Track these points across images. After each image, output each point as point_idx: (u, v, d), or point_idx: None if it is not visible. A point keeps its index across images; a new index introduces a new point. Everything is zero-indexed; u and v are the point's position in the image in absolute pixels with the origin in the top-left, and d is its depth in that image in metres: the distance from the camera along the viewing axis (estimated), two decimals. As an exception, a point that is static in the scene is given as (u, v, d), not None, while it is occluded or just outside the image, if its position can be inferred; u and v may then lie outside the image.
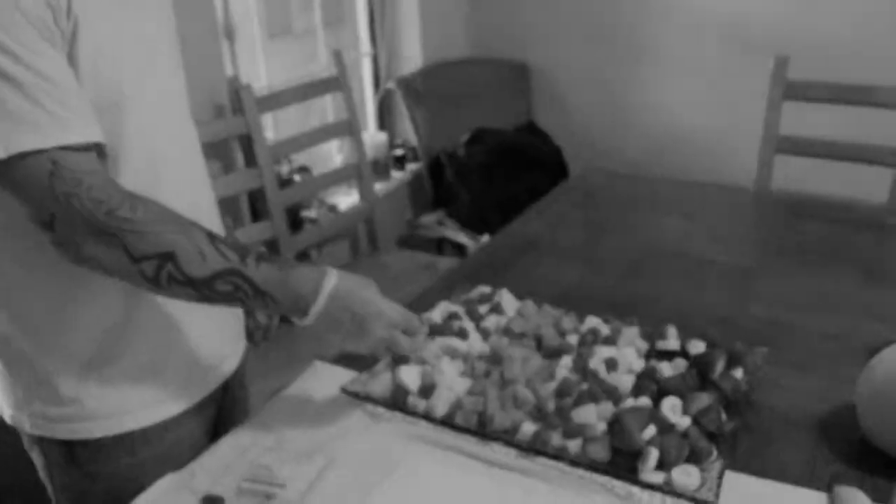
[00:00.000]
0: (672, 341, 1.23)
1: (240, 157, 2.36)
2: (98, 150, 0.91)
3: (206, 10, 2.25)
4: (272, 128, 2.75)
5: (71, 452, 1.09)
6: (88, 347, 1.04)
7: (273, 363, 2.02)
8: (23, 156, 0.85)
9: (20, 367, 1.05)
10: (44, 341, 1.03)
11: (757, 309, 1.46)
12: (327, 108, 3.00)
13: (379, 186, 2.92)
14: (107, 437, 1.07)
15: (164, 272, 0.91)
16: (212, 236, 0.96)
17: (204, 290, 0.94)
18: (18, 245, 0.98)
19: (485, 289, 1.41)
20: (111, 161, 0.97)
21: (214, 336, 1.18)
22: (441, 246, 3.07)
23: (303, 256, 2.54)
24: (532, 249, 1.77)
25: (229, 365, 1.23)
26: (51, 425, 1.07)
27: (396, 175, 3.18)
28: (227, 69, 2.39)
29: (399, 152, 3.22)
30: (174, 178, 1.06)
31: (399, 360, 1.17)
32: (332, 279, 1.01)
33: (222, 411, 1.26)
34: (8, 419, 1.11)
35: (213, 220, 1.18)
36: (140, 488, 1.03)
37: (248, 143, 2.24)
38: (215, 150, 2.26)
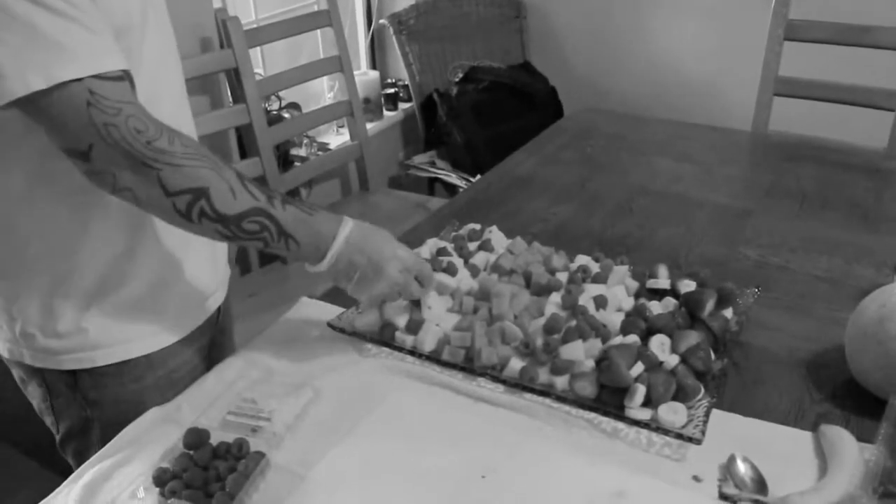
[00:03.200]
0: (662, 280, 1.21)
1: (227, 93, 2.31)
2: (129, 78, 0.90)
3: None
4: (261, 64, 2.70)
5: (74, 382, 1.10)
6: (92, 278, 1.04)
7: (263, 302, 2.02)
8: (60, 86, 0.83)
9: (24, 300, 1.05)
10: (50, 273, 1.03)
11: (749, 250, 1.44)
12: (318, 45, 2.94)
13: (370, 126, 2.88)
14: (110, 365, 1.09)
15: (196, 207, 0.92)
16: (241, 175, 0.96)
17: (233, 227, 0.95)
18: (23, 176, 0.97)
19: (474, 226, 1.40)
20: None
21: (207, 267, 1.20)
22: (433, 186, 3.04)
23: (292, 194, 2.51)
24: (523, 188, 1.75)
25: (220, 295, 1.25)
26: (54, 357, 1.08)
27: (388, 114, 3.14)
28: (213, 1, 2.34)
29: (391, 91, 3.17)
30: (168, 112, 1.04)
31: (415, 304, 1.16)
32: (350, 224, 1.04)
33: (213, 341, 1.27)
34: (5, 353, 1.12)
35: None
36: (140, 415, 1.04)
37: (235, 77, 2.19)
38: (202, 85, 2.21)
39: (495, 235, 1.36)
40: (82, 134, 0.86)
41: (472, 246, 1.33)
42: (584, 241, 1.47)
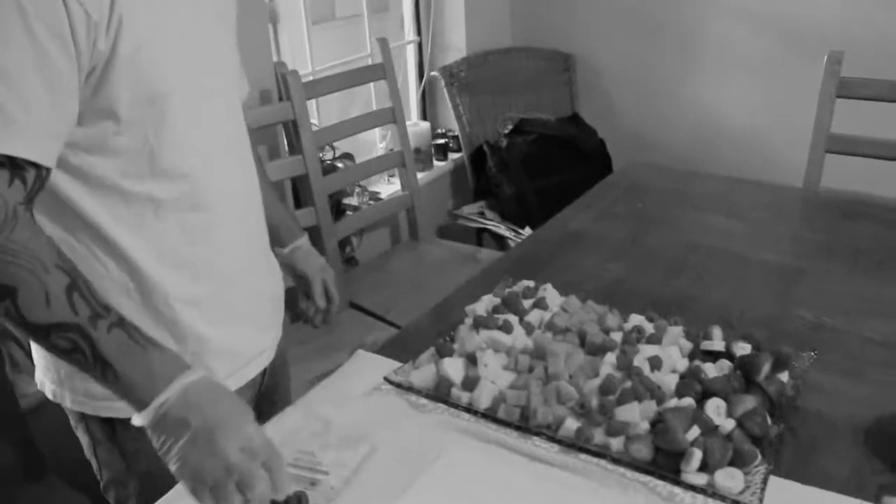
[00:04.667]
0: (717, 342, 1.22)
1: (283, 143, 2.38)
2: (11, 165, 0.86)
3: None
4: (316, 114, 2.77)
5: (112, 430, 1.12)
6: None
7: (313, 350, 2.05)
8: None
9: None
10: None
11: (804, 311, 1.44)
12: (371, 94, 3.00)
13: (420, 175, 2.93)
14: None
15: (1, 306, 0.85)
16: (75, 287, 0.87)
17: (40, 337, 0.87)
18: (60, 221, 0.99)
19: (528, 283, 1.41)
20: (149, 150, 0.98)
21: (252, 327, 1.19)
22: (481, 237, 3.07)
23: (344, 243, 2.56)
24: (576, 243, 1.76)
25: (265, 358, 1.23)
26: (92, 402, 1.09)
27: (438, 164, 3.18)
28: (273, 54, 2.41)
29: (441, 141, 3.22)
30: (219, 167, 1.08)
31: (443, 352, 1.17)
32: (196, 375, 0.89)
33: (260, 396, 1.28)
34: (49, 394, 1.13)
35: (256, 206, 1.20)
36: None
37: (293, 129, 2.25)
38: (260, 136, 2.27)
39: (549, 293, 1.37)
40: None
41: (527, 303, 1.34)
42: (636, 299, 1.47)
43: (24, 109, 0.85)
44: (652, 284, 1.56)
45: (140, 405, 0.88)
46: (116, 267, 1.02)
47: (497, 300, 1.34)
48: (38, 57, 0.85)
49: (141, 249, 1.02)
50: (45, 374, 1.12)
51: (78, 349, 0.86)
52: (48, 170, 0.91)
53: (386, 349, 1.34)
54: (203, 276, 1.08)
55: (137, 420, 0.89)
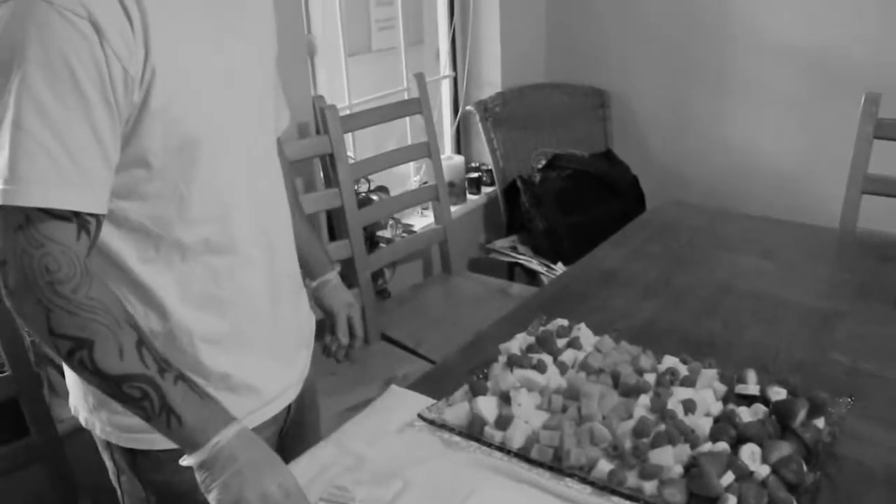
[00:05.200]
0: (752, 386, 1.22)
1: (320, 175, 2.41)
2: (79, 220, 0.91)
3: (294, 30, 2.31)
4: (351, 146, 2.80)
5: (134, 460, 1.14)
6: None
7: (344, 382, 2.06)
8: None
9: None
10: None
11: (840, 355, 1.43)
12: (406, 126, 3.04)
13: (454, 209, 2.95)
14: (166, 451, 1.07)
15: (76, 356, 0.92)
16: (142, 342, 0.95)
17: (112, 386, 0.94)
18: (91, 262, 1.00)
19: (562, 322, 1.42)
20: (179, 195, 1.01)
21: (276, 365, 1.20)
22: (513, 271, 3.07)
23: (376, 276, 2.58)
24: (609, 282, 1.77)
25: (291, 393, 1.24)
26: (117, 432, 1.11)
27: (471, 198, 3.20)
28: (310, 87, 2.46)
29: (475, 175, 3.24)
30: (246, 208, 1.09)
31: (477, 390, 1.18)
32: (241, 424, 0.98)
33: (284, 433, 1.28)
34: (82, 421, 1.16)
35: (285, 244, 1.21)
36: (197, 503, 1.04)
37: (329, 162, 2.28)
38: (297, 168, 2.31)
39: (583, 332, 1.38)
40: (2, 248, 0.90)
41: (561, 342, 1.35)
42: (670, 339, 1.47)
43: (80, 164, 0.89)
44: (685, 325, 1.56)
45: (194, 447, 0.95)
46: (143, 308, 1.05)
47: (531, 339, 1.35)
48: (87, 112, 0.88)
49: (168, 291, 1.04)
50: (79, 401, 1.14)
51: (147, 398, 0.94)
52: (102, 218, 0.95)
53: (419, 385, 1.35)
54: (228, 315, 1.10)
55: (189, 460, 0.96)
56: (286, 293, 1.22)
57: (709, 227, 2.10)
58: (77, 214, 0.91)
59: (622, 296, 1.69)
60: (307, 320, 1.31)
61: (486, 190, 3.27)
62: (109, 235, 1.00)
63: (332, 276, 1.43)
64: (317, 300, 1.42)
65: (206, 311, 1.08)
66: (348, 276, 2.39)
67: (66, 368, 1.11)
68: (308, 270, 1.38)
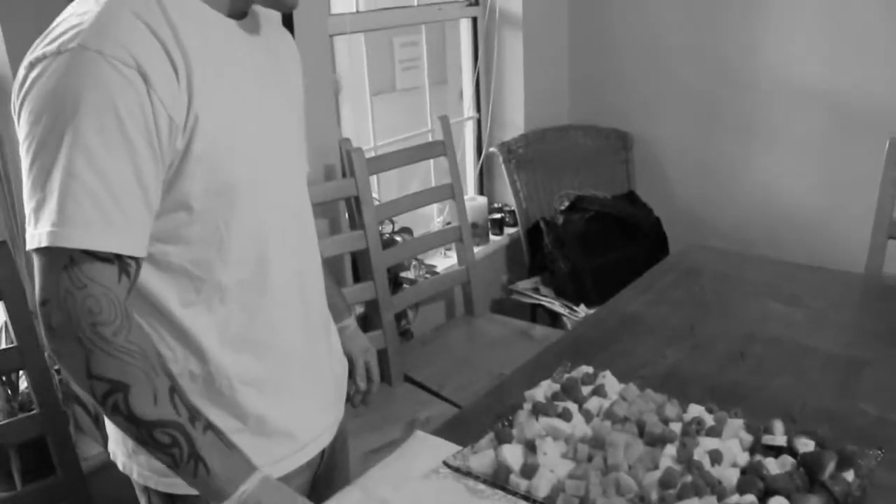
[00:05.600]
0: (779, 437, 1.21)
1: (345, 217, 2.44)
2: (120, 262, 0.94)
3: (322, 71, 2.35)
4: (376, 187, 2.83)
5: None
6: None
7: (367, 424, 2.07)
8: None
9: None
10: None
11: (868, 405, 1.41)
12: (429, 167, 3.07)
13: (477, 249, 2.96)
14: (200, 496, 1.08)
15: (111, 399, 0.93)
16: (175, 389, 0.97)
17: (143, 431, 0.95)
18: (132, 305, 1.02)
19: (587, 369, 1.42)
20: (219, 238, 1.03)
21: (313, 408, 1.21)
22: (535, 312, 3.07)
23: (400, 317, 2.59)
24: (633, 327, 1.76)
25: (326, 437, 1.25)
26: (155, 477, 1.12)
27: (494, 238, 3.22)
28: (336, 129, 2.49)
29: (498, 216, 3.26)
30: (282, 250, 1.12)
31: (502, 438, 1.18)
32: (264, 472, 1.01)
33: (317, 477, 1.28)
34: (120, 466, 1.17)
35: (317, 287, 1.23)
36: None
37: (355, 204, 2.31)
38: (322, 210, 2.34)
39: (608, 380, 1.38)
40: (47, 287, 0.92)
41: (586, 390, 1.35)
42: (695, 387, 1.47)
43: (124, 208, 0.92)
44: (710, 372, 1.55)
45: (221, 497, 0.97)
46: (183, 350, 1.06)
47: (556, 386, 1.35)
48: (132, 158, 0.92)
49: (207, 333, 1.06)
50: (117, 446, 1.16)
51: (177, 444, 0.95)
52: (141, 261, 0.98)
53: (444, 430, 1.35)
54: (265, 357, 1.12)
55: None
56: (320, 334, 1.24)
57: (733, 272, 2.10)
58: (119, 257, 0.93)
59: (647, 342, 1.69)
60: (340, 362, 1.33)
61: (508, 231, 3.28)
62: (151, 279, 1.02)
63: (350, 323, 1.45)
64: None
65: (244, 353, 1.09)
66: (372, 317, 2.40)
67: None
68: None
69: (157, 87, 0.92)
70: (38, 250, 0.91)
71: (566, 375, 1.41)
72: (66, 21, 0.93)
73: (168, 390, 0.96)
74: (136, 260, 0.96)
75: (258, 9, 1.13)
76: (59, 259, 0.91)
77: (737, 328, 1.74)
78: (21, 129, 0.93)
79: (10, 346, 1.58)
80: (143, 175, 0.93)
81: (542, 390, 1.35)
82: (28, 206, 0.92)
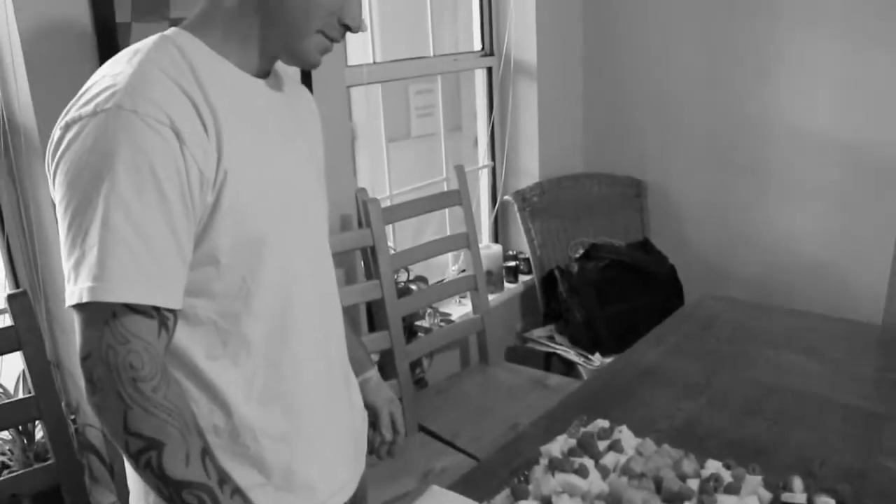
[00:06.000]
0: (798, 494, 1.20)
1: (360, 266, 2.45)
2: (160, 316, 0.95)
3: (339, 122, 2.38)
4: (391, 236, 2.85)
5: None
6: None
7: (382, 474, 2.05)
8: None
9: None
10: None
11: (889, 461, 1.40)
12: (444, 215, 3.09)
13: (491, 297, 2.96)
14: None
15: (144, 456, 0.94)
16: (206, 451, 0.98)
17: (172, 490, 0.95)
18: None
19: (603, 423, 1.41)
20: (246, 291, 1.04)
21: (336, 461, 1.21)
22: (550, 360, 3.06)
23: (414, 365, 2.58)
24: (648, 380, 1.76)
25: (348, 491, 1.24)
26: None
27: (509, 286, 3.22)
28: (353, 178, 2.52)
29: (512, 263, 3.27)
30: (305, 302, 1.13)
31: (518, 494, 1.17)
32: None
33: None
34: None
35: (338, 339, 1.24)
36: None
37: (370, 254, 2.32)
38: (338, 260, 2.35)
39: (625, 435, 1.37)
40: (89, 342, 0.93)
41: (602, 444, 1.34)
42: (712, 442, 1.46)
43: (161, 261, 0.94)
44: (727, 426, 1.54)
45: None
46: (208, 404, 1.06)
47: (572, 441, 1.35)
48: (168, 213, 0.94)
49: (233, 388, 1.06)
50: (138, 500, 1.16)
51: None
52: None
53: (460, 485, 1.34)
54: (290, 410, 1.12)
55: None
56: (340, 388, 1.24)
57: (749, 323, 2.09)
58: (158, 310, 0.95)
59: (663, 395, 1.68)
60: (360, 415, 1.33)
61: (523, 278, 3.29)
62: (178, 332, 1.03)
63: (373, 374, 1.45)
64: None
65: (268, 406, 1.10)
66: (387, 366, 2.40)
67: (127, 465, 1.13)
68: None
69: (190, 143, 0.94)
70: (79, 306, 0.92)
71: (582, 430, 1.40)
72: (101, 82, 0.96)
73: (200, 452, 0.96)
74: (174, 313, 0.98)
75: (279, 65, 1.16)
76: (101, 314, 0.92)
77: (754, 380, 1.74)
78: (57, 190, 0.95)
79: (28, 395, 1.59)
80: (178, 230, 0.95)
81: (558, 445, 1.34)
82: (67, 263, 0.94)
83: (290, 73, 1.22)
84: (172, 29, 1.05)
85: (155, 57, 0.98)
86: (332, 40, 1.08)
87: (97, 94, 0.94)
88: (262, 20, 1.05)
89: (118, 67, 0.97)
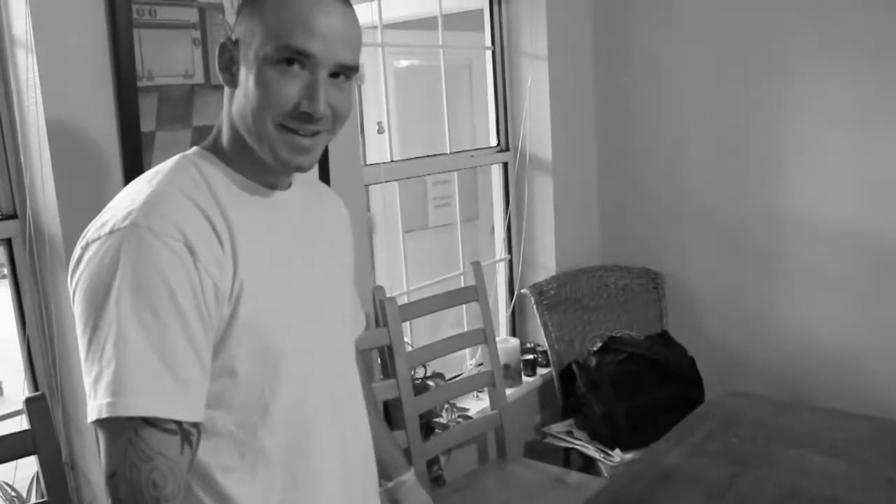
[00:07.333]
0: None
1: (377, 363, 2.45)
2: (182, 431, 0.96)
3: (357, 225, 2.40)
4: (408, 331, 2.85)
5: None
6: None
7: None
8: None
9: None
10: None
11: (920, 573, 1.35)
12: (461, 308, 3.09)
13: (509, 392, 2.94)
14: None
15: None
16: None
17: None
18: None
19: (623, 532, 1.38)
20: (263, 403, 1.05)
21: None
22: (569, 455, 3.01)
23: (431, 463, 2.55)
24: (670, 482, 1.72)
25: None
26: None
27: (527, 380, 3.19)
28: (370, 275, 2.54)
29: (530, 357, 3.25)
30: (326, 415, 1.13)
31: None
32: None
33: None
34: None
35: (361, 451, 1.23)
36: None
37: (387, 353, 2.32)
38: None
39: (645, 546, 1.34)
40: (113, 460, 0.93)
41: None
42: (736, 551, 1.42)
43: (180, 375, 0.95)
44: (752, 534, 1.50)
45: None
46: None
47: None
48: (185, 325, 0.95)
49: (249, 501, 1.06)
50: None
51: None
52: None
53: None
54: None
55: None
56: (359, 499, 1.23)
57: (771, 421, 2.06)
58: (180, 425, 0.95)
59: (685, 498, 1.65)
60: None
61: (541, 371, 3.26)
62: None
63: (409, 477, 1.44)
64: (392, 501, 1.42)
65: None
66: (404, 465, 2.37)
67: None
68: (383, 471, 1.40)
69: (204, 259, 0.97)
70: (101, 422, 0.93)
71: (602, 540, 1.37)
72: (120, 203, 1.00)
73: None
74: (197, 428, 0.98)
75: (307, 174, 1.17)
76: (123, 431, 0.93)
77: (778, 483, 1.70)
78: (77, 307, 0.97)
79: (42, 500, 1.58)
80: (196, 341, 0.96)
81: (577, 557, 1.31)
82: (87, 380, 0.95)
83: (311, 179, 1.24)
84: (193, 149, 1.09)
85: (174, 178, 1.02)
86: (296, 132, 1.03)
87: (115, 215, 0.97)
88: (243, 133, 1.06)
89: (138, 187, 1.01)
